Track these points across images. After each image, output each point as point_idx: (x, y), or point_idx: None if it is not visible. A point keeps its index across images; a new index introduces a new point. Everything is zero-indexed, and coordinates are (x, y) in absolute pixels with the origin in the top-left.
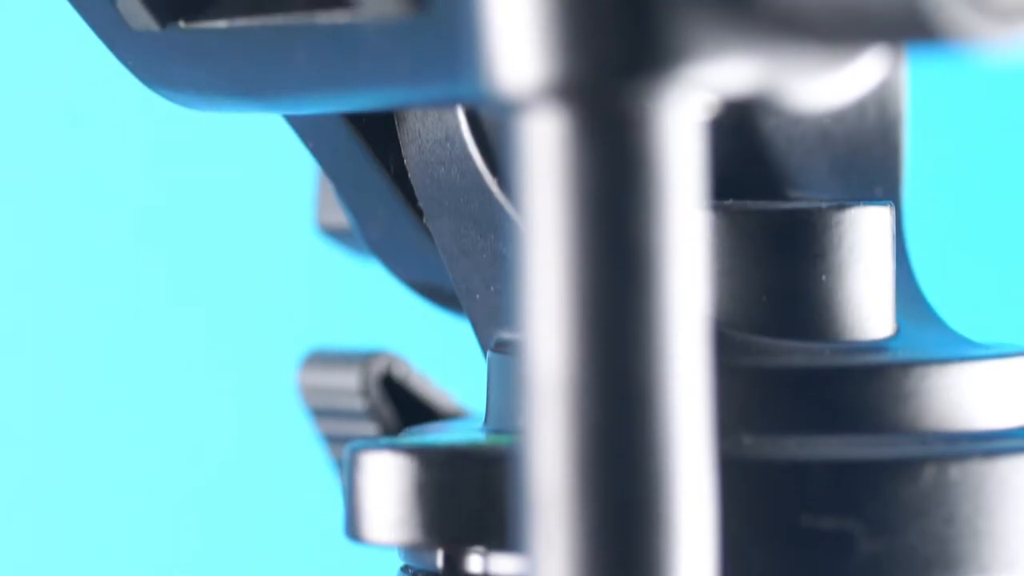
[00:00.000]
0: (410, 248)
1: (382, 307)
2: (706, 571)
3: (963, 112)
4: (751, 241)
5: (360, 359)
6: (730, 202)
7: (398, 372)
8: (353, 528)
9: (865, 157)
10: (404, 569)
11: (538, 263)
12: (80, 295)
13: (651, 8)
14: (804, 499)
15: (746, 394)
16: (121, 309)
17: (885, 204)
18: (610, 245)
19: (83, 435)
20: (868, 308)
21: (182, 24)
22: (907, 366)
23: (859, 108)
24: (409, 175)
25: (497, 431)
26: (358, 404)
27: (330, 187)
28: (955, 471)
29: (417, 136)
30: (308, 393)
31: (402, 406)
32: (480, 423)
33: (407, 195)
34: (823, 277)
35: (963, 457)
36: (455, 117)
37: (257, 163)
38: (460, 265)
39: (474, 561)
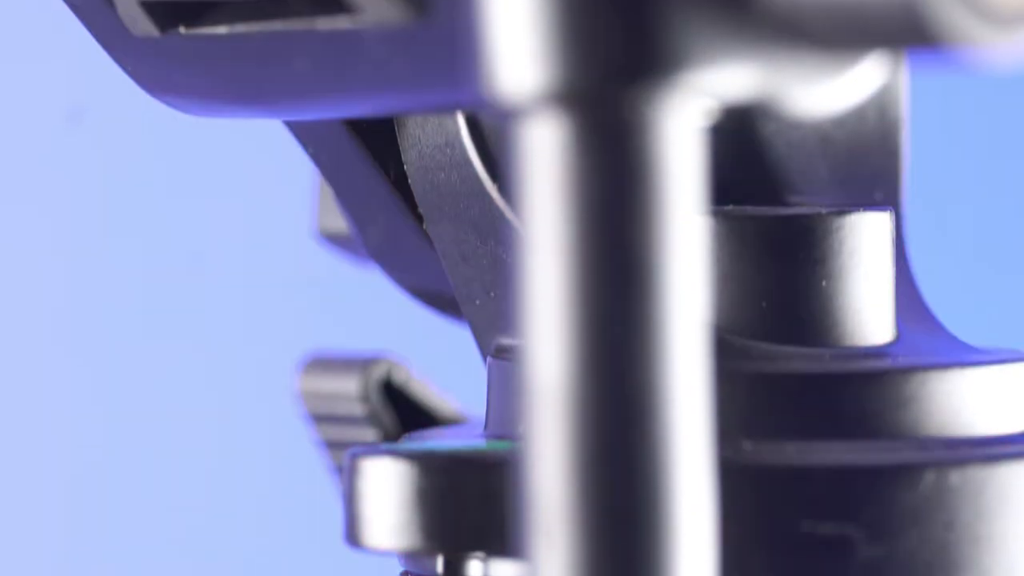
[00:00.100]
0: (410, 254)
1: (382, 313)
2: None
3: (962, 117)
4: (751, 247)
5: (360, 364)
6: (730, 208)
7: (398, 377)
8: (353, 534)
9: (865, 162)
10: (404, 575)
11: (538, 269)
12: (80, 298)
13: (651, 14)
14: (804, 504)
15: (746, 400)
16: (121, 315)
17: (885, 209)
18: (610, 251)
19: (83, 438)
20: (868, 313)
21: (182, 30)
22: (907, 371)
23: (859, 113)
24: (409, 181)
25: (497, 437)
26: (358, 409)
27: (330, 193)
28: (955, 477)
29: (417, 142)
30: (308, 399)
31: (402, 411)
32: (480, 429)
33: (407, 201)
34: (823, 283)
35: (963, 463)
36: (455, 123)
37: (257, 169)
38: (460, 271)
39: (474, 567)
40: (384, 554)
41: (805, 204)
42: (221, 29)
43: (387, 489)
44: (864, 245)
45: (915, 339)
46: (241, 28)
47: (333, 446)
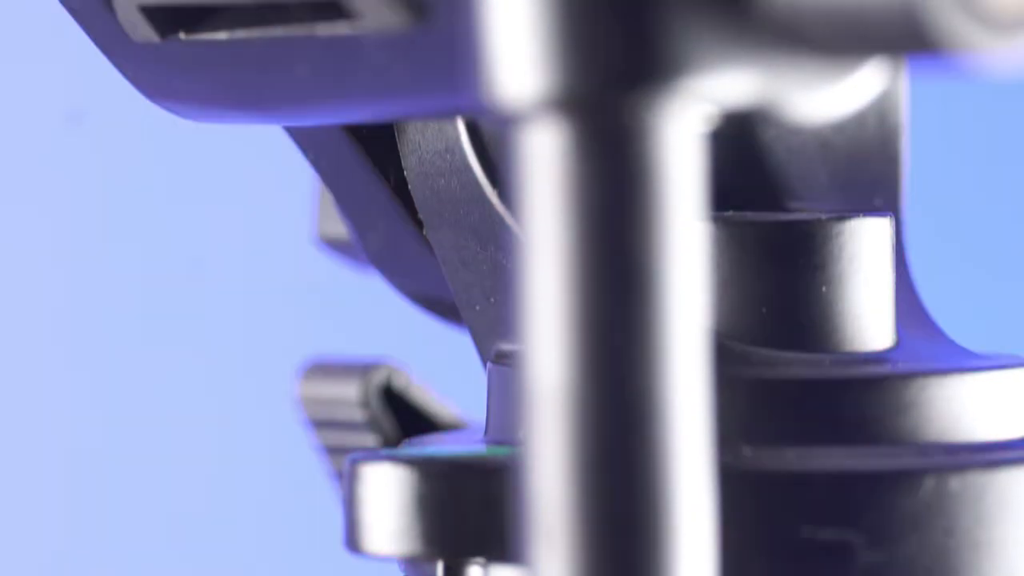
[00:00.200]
0: (410, 259)
1: (382, 318)
2: None
3: (962, 123)
4: (751, 252)
5: (360, 370)
6: (730, 213)
7: (398, 383)
8: (353, 540)
9: (865, 168)
10: None
11: (538, 274)
12: (79, 303)
13: (650, 20)
14: (804, 510)
15: (746, 405)
16: (120, 319)
17: (885, 215)
18: (610, 257)
19: (82, 442)
20: (868, 319)
21: (182, 36)
22: (907, 377)
23: (859, 119)
24: (409, 186)
25: (497, 442)
26: (358, 415)
27: (330, 198)
28: (955, 482)
29: (417, 147)
30: (308, 404)
31: (402, 417)
32: (480, 434)
33: (407, 206)
34: (823, 288)
35: (963, 468)
36: (455, 129)
37: (257, 174)
38: (460, 276)
39: (474, 573)
40: (384, 560)
41: (805, 210)
42: (221, 35)
43: (387, 495)
44: (864, 251)
45: (915, 345)
46: (241, 34)
47: (333, 451)
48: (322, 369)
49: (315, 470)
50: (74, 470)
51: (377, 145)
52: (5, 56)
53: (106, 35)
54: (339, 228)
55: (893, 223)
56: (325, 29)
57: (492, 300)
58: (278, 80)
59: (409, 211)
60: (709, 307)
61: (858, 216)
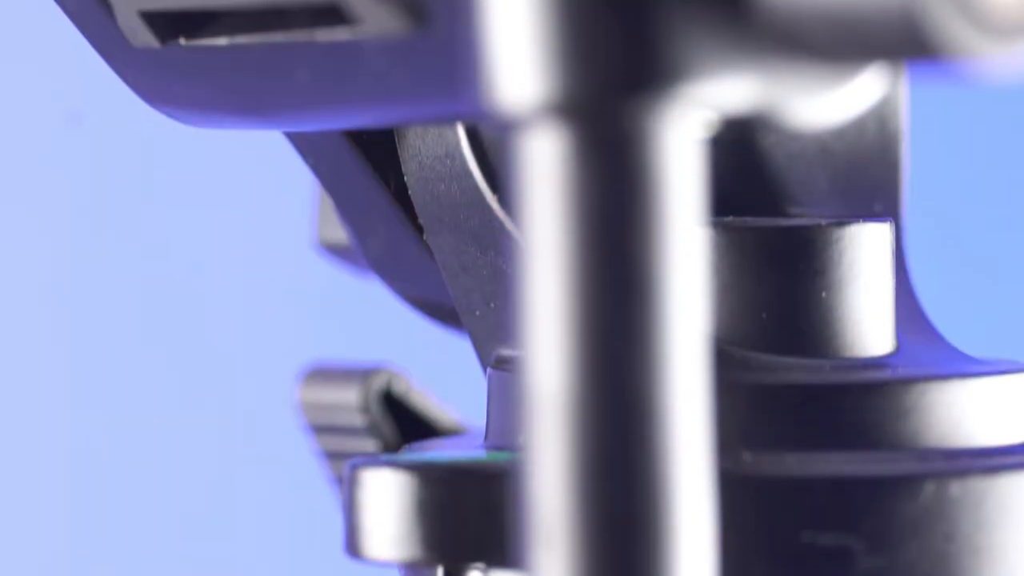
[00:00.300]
0: (410, 265)
1: (382, 323)
2: None
3: (962, 129)
4: (751, 258)
5: (360, 375)
6: (730, 219)
7: (398, 388)
8: (353, 545)
9: (865, 174)
10: None
11: (538, 280)
12: (79, 307)
13: (650, 27)
14: (804, 515)
15: (746, 411)
16: (120, 325)
17: (885, 221)
18: (610, 262)
19: (81, 446)
20: (868, 325)
21: (182, 41)
22: (907, 383)
23: (859, 125)
24: (409, 192)
25: (497, 448)
26: (358, 420)
27: (330, 204)
28: (955, 488)
29: (417, 153)
30: (308, 409)
31: (402, 422)
32: (480, 439)
33: (407, 212)
34: (823, 294)
35: (963, 474)
36: (455, 134)
37: (257, 179)
38: (460, 281)
39: None
40: (384, 565)
41: (805, 215)
42: (221, 41)
43: (387, 500)
44: (864, 256)
45: (915, 350)
46: (241, 40)
47: (333, 457)
48: (322, 374)
49: (315, 475)
50: (74, 474)
51: (377, 150)
52: (5, 56)
53: (106, 40)
54: (339, 233)
55: (893, 228)
56: (325, 35)
57: (492, 305)
58: (278, 86)
59: (409, 216)
60: (709, 312)
61: (858, 221)
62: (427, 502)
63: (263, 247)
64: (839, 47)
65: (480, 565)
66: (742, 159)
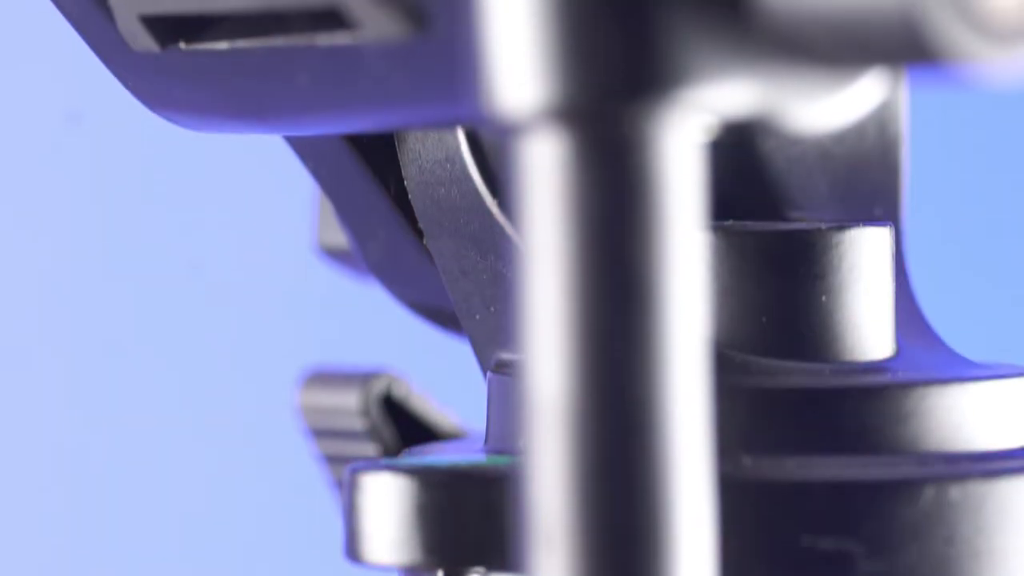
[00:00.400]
0: (410, 269)
1: (382, 327)
2: None
3: (962, 133)
4: (751, 262)
5: (360, 379)
6: (730, 223)
7: (398, 392)
8: (353, 549)
9: (865, 178)
10: None
11: (538, 284)
12: (78, 310)
13: (650, 31)
14: (804, 520)
15: (746, 415)
16: (119, 330)
17: (885, 225)
18: (610, 266)
19: (80, 449)
20: (868, 328)
21: (183, 45)
22: (907, 386)
23: (859, 129)
24: (409, 196)
25: (497, 452)
26: (358, 424)
27: (330, 208)
28: (955, 492)
29: (417, 157)
30: (308, 413)
31: (402, 426)
32: (480, 443)
33: (407, 216)
34: (823, 298)
35: (963, 478)
36: (455, 138)
37: (257, 183)
38: (460, 285)
39: None
40: (384, 569)
41: (805, 219)
42: (221, 45)
43: (387, 504)
44: (864, 260)
45: (915, 354)
46: (241, 44)
47: (333, 461)
48: (322, 378)
49: (315, 479)
50: (74, 478)
51: (377, 154)
52: (5, 56)
53: (105, 44)
54: (339, 237)
55: (893, 233)
56: (325, 39)
57: (492, 309)
58: (278, 90)
59: (409, 220)
60: (709, 317)
61: (858, 226)
62: (427, 506)
63: (263, 251)
64: (839, 51)
65: (480, 569)
66: (742, 163)
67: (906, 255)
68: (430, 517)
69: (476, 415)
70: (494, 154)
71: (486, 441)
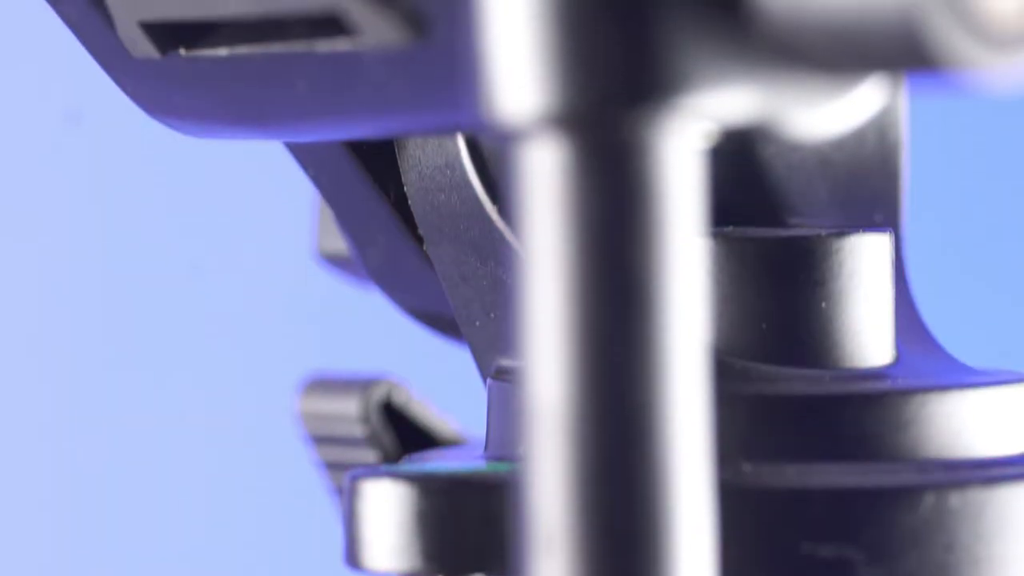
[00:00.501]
0: (410, 275)
1: (382, 334)
2: None
3: (961, 140)
4: (751, 268)
5: (360, 386)
6: (730, 229)
7: (398, 399)
8: (353, 556)
9: (865, 184)
10: None
11: (538, 290)
12: (77, 315)
13: (650, 38)
14: (804, 527)
15: (746, 422)
16: (119, 336)
17: (885, 231)
18: (610, 273)
19: (81, 454)
20: (868, 335)
21: (183, 52)
22: (907, 393)
23: (859, 136)
24: (409, 202)
25: (497, 458)
26: (358, 431)
27: (330, 214)
28: (955, 499)
29: (417, 163)
30: (308, 420)
31: (402, 433)
32: (480, 450)
33: (407, 222)
34: (823, 304)
35: (963, 485)
36: (455, 144)
37: (256, 190)
38: (460, 292)
39: None
40: None
41: (805, 226)
42: (221, 51)
43: (387, 511)
44: (864, 267)
45: (915, 361)
46: (241, 50)
47: (333, 467)
48: (322, 385)
49: (315, 486)
50: (74, 481)
51: (377, 161)
52: (5, 56)
53: (106, 50)
54: (339, 244)
55: (893, 239)
56: (325, 45)
57: (492, 316)
58: (278, 96)
59: (409, 226)
60: (709, 323)
61: (858, 232)
62: (427, 513)
63: (263, 257)
64: (839, 58)
65: None
66: (742, 170)
67: (906, 261)
68: (430, 524)
69: (476, 422)
70: (494, 160)
71: (486, 448)
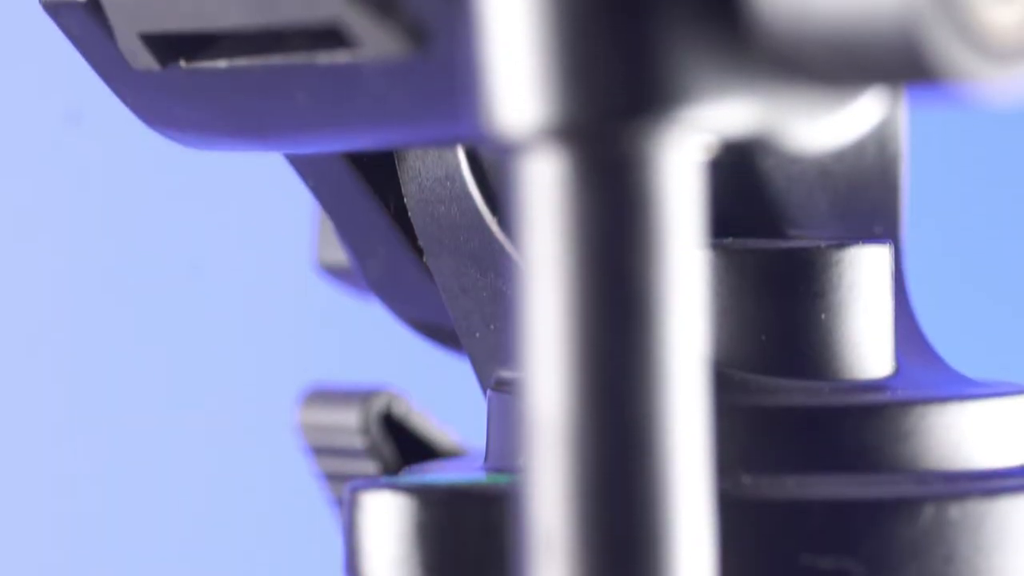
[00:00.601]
0: (410, 286)
1: (382, 345)
2: None
3: (961, 152)
4: (750, 280)
5: (360, 397)
6: (729, 241)
7: (398, 410)
8: (352, 567)
9: (864, 196)
10: None
11: (538, 302)
12: (77, 318)
13: (650, 51)
14: (803, 538)
15: (745, 433)
16: (118, 341)
17: (884, 243)
18: (609, 285)
19: (81, 458)
20: (867, 347)
21: (183, 64)
22: (906, 405)
23: (858, 147)
24: (409, 213)
25: (497, 470)
26: (358, 442)
27: (330, 225)
28: (954, 510)
29: (417, 174)
30: (308, 431)
31: (402, 444)
32: (480, 462)
33: (407, 233)
34: (822, 316)
35: (962, 496)
36: (455, 156)
37: (256, 201)
38: (460, 303)
39: None
40: None
41: (804, 238)
42: (221, 63)
43: (387, 522)
44: (863, 278)
45: (914, 372)
46: (241, 62)
47: (333, 479)
48: (322, 396)
49: (315, 497)
50: (74, 485)
51: (377, 172)
52: (5, 56)
53: (106, 62)
54: (339, 255)
55: (892, 251)
56: (325, 57)
57: (492, 327)
58: (278, 108)
59: (409, 238)
60: (708, 335)
61: (857, 244)
62: (427, 524)
63: (264, 268)
64: (838, 70)
65: None
66: (742, 182)
67: (906, 273)
68: (430, 535)
69: (476, 433)
70: (494, 172)
71: (486, 459)
